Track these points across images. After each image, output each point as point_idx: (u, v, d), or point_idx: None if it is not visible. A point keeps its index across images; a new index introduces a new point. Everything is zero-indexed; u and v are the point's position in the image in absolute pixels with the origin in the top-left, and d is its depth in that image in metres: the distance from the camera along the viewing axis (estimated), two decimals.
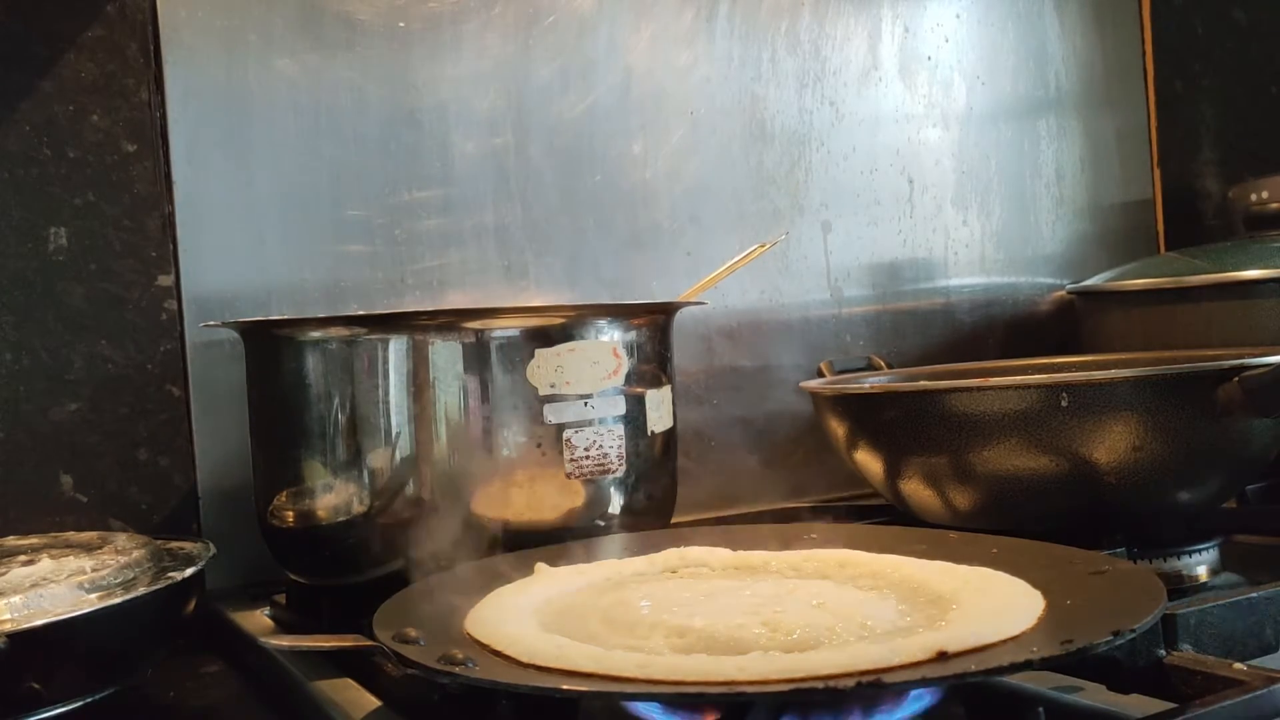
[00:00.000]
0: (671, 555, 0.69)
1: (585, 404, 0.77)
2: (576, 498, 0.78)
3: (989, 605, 0.53)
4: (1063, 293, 1.34)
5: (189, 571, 0.69)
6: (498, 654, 0.53)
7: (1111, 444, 0.75)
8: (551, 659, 0.50)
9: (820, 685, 0.45)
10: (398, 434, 0.75)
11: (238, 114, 0.94)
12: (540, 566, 0.66)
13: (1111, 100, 1.43)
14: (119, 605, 0.62)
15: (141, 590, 0.64)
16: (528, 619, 0.57)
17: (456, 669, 0.49)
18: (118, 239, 0.92)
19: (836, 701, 0.50)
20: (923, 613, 0.55)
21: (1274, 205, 1.21)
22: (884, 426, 0.84)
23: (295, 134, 0.96)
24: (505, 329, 0.76)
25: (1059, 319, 1.35)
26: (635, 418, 0.80)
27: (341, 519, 0.77)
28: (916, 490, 0.84)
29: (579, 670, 0.49)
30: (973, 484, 0.80)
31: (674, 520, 0.90)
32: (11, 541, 0.78)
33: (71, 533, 0.79)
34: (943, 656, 0.47)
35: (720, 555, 0.69)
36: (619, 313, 0.81)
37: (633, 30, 1.11)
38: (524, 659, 0.51)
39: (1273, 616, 0.65)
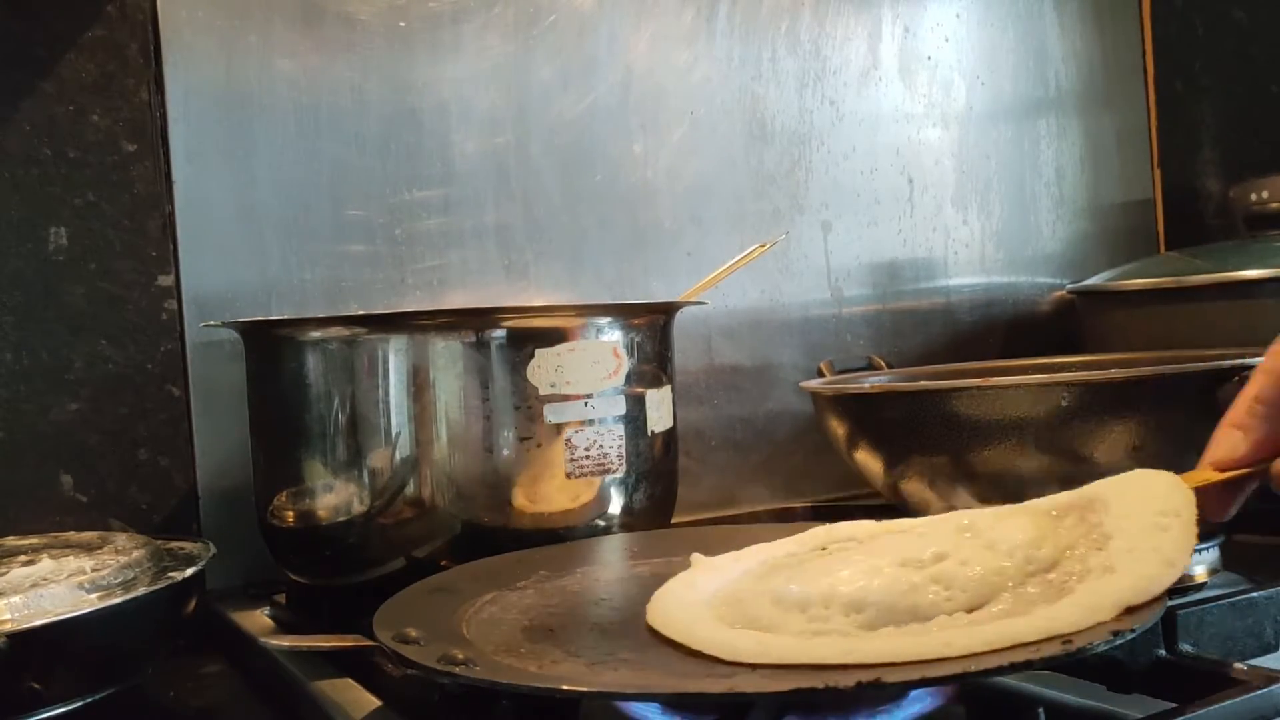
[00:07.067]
0: (819, 533, 0.67)
1: (585, 404, 0.77)
2: (576, 498, 0.78)
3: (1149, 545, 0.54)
4: (1063, 293, 1.34)
5: (189, 571, 0.68)
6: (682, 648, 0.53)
7: (1111, 444, 0.74)
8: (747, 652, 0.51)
9: (820, 686, 0.45)
10: (398, 434, 0.75)
11: (238, 114, 0.94)
12: (696, 557, 0.65)
13: (1111, 100, 1.43)
14: (119, 605, 0.62)
15: (141, 590, 0.64)
16: (701, 610, 0.57)
17: (456, 669, 0.49)
18: (118, 239, 0.92)
19: (837, 702, 0.50)
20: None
21: (1274, 205, 1.21)
22: (884, 426, 0.84)
23: (295, 134, 0.96)
24: (505, 329, 0.76)
25: (1059, 319, 1.35)
26: (635, 418, 0.80)
27: (341, 519, 0.77)
28: (916, 490, 0.84)
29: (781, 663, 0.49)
30: (973, 484, 0.80)
31: (674, 520, 0.90)
32: (11, 541, 0.77)
33: (71, 533, 0.79)
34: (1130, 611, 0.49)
35: (866, 527, 0.67)
36: (619, 313, 0.81)
37: (633, 30, 1.11)
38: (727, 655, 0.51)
39: (1273, 616, 0.65)
